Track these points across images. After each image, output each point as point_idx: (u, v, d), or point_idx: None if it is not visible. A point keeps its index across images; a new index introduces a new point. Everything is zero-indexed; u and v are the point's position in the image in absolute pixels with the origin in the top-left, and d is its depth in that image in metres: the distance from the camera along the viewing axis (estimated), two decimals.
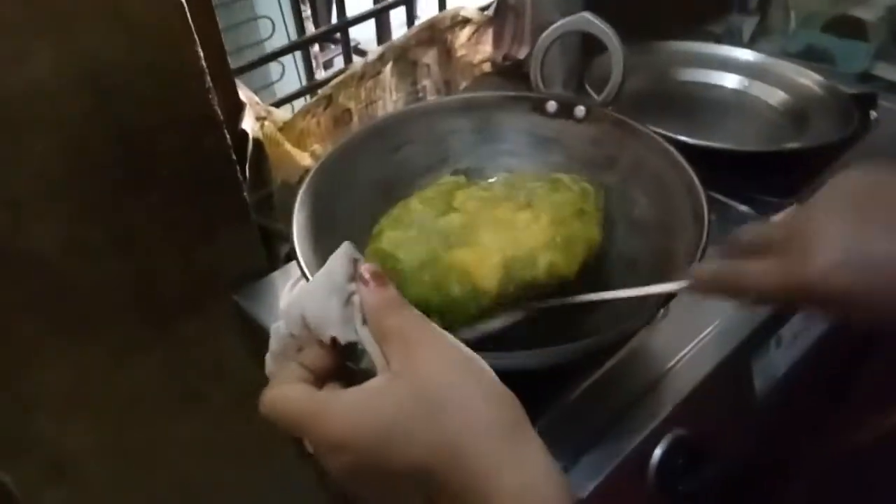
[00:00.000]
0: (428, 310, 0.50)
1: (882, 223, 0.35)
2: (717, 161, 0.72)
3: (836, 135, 0.72)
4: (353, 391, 0.33)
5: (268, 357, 0.39)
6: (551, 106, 0.68)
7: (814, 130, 0.73)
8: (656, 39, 0.94)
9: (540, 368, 0.49)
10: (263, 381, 0.36)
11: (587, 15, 0.66)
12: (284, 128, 0.74)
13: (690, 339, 0.57)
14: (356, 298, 0.35)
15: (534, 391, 0.52)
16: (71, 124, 0.48)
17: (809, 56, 1.02)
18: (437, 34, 0.88)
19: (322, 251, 0.55)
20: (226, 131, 0.57)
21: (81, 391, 0.59)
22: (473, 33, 0.92)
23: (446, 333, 0.34)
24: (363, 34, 1.17)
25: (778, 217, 0.49)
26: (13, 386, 0.56)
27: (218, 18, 1.24)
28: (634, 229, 0.62)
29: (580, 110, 0.67)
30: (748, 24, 1.21)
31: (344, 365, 0.36)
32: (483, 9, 0.92)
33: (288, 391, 0.33)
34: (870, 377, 0.83)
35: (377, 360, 0.34)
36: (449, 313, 0.51)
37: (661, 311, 0.60)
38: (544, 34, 0.70)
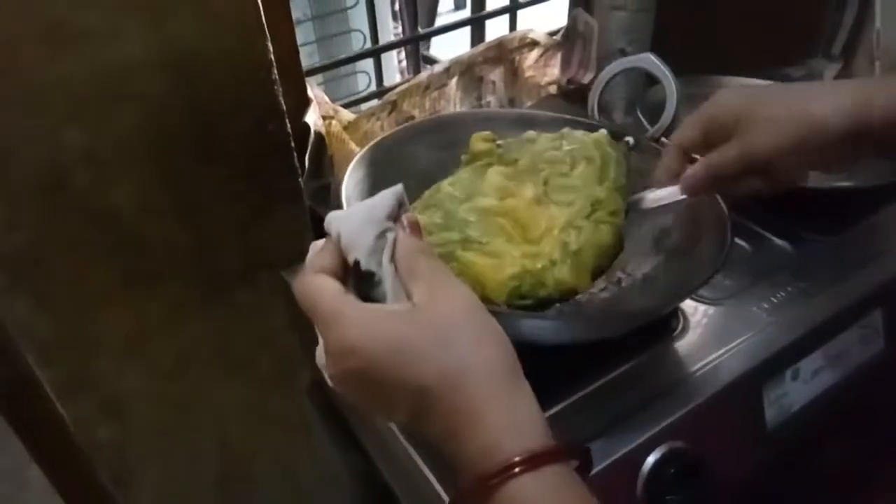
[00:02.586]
0: None
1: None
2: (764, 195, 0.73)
3: (888, 177, 0.71)
4: (376, 306, 0.37)
5: (311, 247, 0.42)
6: (601, 133, 0.71)
7: (866, 171, 0.72)
8: (723, 74, 0.95)
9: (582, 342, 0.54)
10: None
11: (651, 56, 0.69)
12: (349, 127, 0.81)
13: (704, 356, 0.59)
14: (390, 235, 0.39)
15: (549, 379, 0.56)
16: (153, 100, 0.55)
17: None
18: (504, 53, 0.92)
19: None
20: (287, 121, 0.63)
21: (140, 340, 0.66)
22: (541, 56, 0.96)
23: (465, 285, 0.38)
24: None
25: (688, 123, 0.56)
26: (82, 327, 0.63)
27: (313, 30, 1.34)
28: (660, 251, 0.64)
29: (629, 141, 0.69)
30: (830, 70, 1.19)
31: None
32: (552, 33, 0.96)
33: (322, 283, 0.37)
34: None
35: (392, 293, 0.38)
36: None
37: (680, 324, 0.62)
38: (606, 69, 0.74)
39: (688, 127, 0.56)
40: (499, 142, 0.67)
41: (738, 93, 0.53)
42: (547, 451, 0.33)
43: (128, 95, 0.54)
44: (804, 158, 0.50)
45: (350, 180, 0.61)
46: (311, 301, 0.37)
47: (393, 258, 0.38)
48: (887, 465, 0.78)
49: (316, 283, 0.37)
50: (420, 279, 0.37)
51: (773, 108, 0.49)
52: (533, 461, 0.32)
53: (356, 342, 0.35)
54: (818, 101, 0.47)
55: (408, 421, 0.36)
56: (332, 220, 0.40)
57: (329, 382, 0.38)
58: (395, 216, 0.40)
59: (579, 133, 0.65)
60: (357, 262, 0.38)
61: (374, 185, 0.63)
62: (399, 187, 0.41)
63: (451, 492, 0.50)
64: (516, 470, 0.32)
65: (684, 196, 0.55)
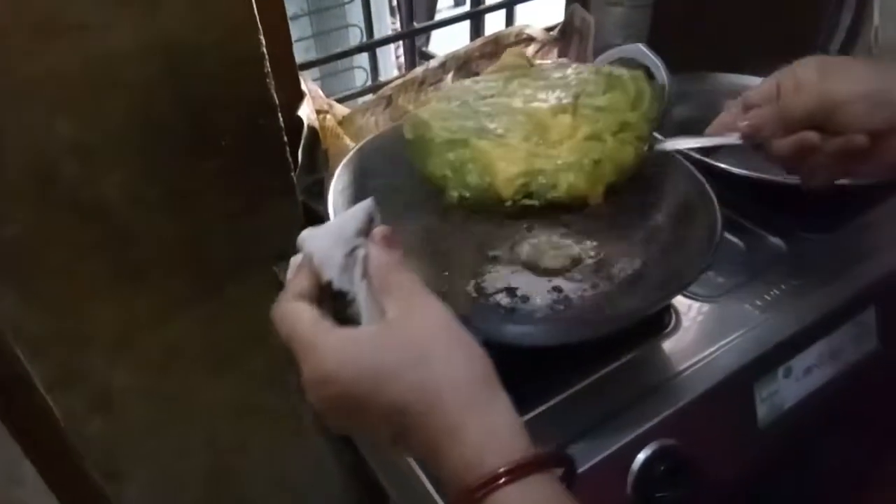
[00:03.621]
0: (444, 183, 0.54)
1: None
2: (758, 192, 0.73)
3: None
4: (349, 330, 0.37)
5: (290, 262, 0.43)
6: None
7: None
8: (725, 71, 0.95)
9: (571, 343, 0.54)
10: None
11: (641, 47, 0.68)
12: (343, 122, 0.80)
13: (696, 353, 0.58)
14: (360, 252, 0.38)
15: (539, 376, 0.56)
16: (143, 90, 0.55)
17: None
18: (500, 49, 0.92)
19: None
20: (280, 115, 0.62)
21: (129, 335, 0.66)
22: (538, 51, 0.96)
23: (437, 299, 0.38)
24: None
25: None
26: (72, 320, 0.63)
27: (310, 25, 1.33)
28: (653, 245, 0.63)
29: None
30: None
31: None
32: (549, 29, 0.95)
33: (297, 311, 0.37)
34: None
35: (365, 311, 0.37)
36: (463, 192, 0.55)
37: (672, 321, 0.61)
38: (598, 59, 0.74)
39: (762, 84, 0.57)
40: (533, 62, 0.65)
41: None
42: (530, 461, 0.32)
43: (118, 87, 0.54)
44: (877, 112, 0.51)
45: (335, 188, 0.60)
46: (287, 331, 0.37)
47: (366, 274, 0.38)
48: (881, 464, 0.77)
49: (290, 310, 0.37)
50: (392, 295, 0.37)
51: (854, 63, 0.53)
52: (516, 471, 0.32)
53: (331, 370, 0.35)
54: None
55: (391, 441, 0.36)
56: (304, 239, 0.40)
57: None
58: (365, 231, 0.39)
59: (617, 69, 0.65)
60: (330, 282, 0.38)
61: (360, 190, 0.62)
62: (369, 202, 0.40)
63: (442, 492, 0.50)
64: (501, 481, 0.31)
65: (737, 140, 0.56)
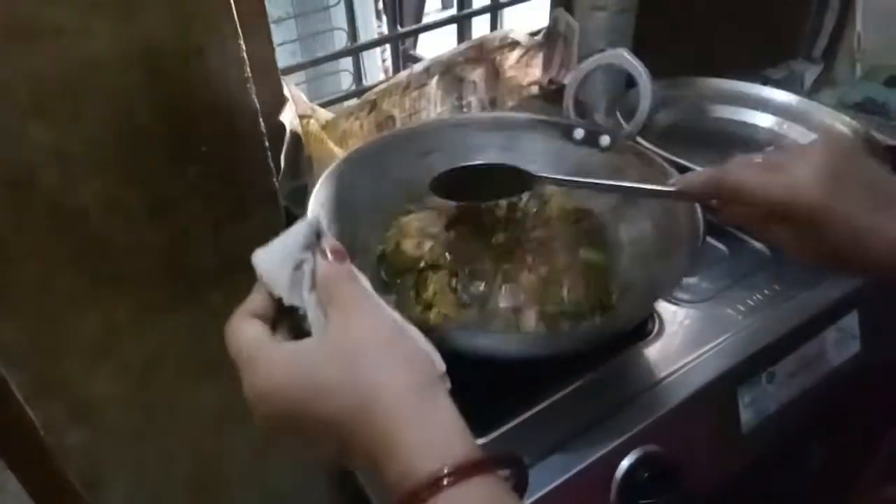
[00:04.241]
0: None
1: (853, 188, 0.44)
2: None
3: None
4: (286, 348, 0.37)
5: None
6: (578, 133, 0.71)
7: None
8: (705, 76, 0.95)
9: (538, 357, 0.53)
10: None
11: (623, 52, 0.69)
12: (327, 126, 0.80)
13: (680, 359, 0.59)
14: (307, 266, 0.39)
15: (523, 384, 0.55)
16: (122, 96, 0.54)
17: (865, 108, 1.01)
18: (485, 53, 0.92)
19: (334, 232, 0.59)
20: (261, 121, 0.62)
21: (109, 343, 0.65)
22: (523, 56, 0.96)
23: (385, 305, 0.38)
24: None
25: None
26: (50, 330, 0.62)
27: (295, 28, 1.32)
28: (637, 256, 0.63)
29: (605, 139, 0.69)
30: (811, 73, 1.20)
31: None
32: (533, 34, 0.95)
33: (243, 328, 0.38)
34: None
35: (315, 325, 0.38)
36: None
37: (655, 327, 0.61)
38: (580, 66, 0.74)
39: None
40: None
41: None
42: (472, 463, 0.32)
43: (96, 92, 0.53)
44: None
45: (315, 201, 0.59)
46: (233, 348, 0.38)
47: (314, 288, 0.38)
48: (864, 467, 0.78)
49: (237, 327, 0.38)
50: (335, 306, 0.37)
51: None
52: (456, 475, 0.31)
53: (266, 386, 0.35)
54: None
55: (337, 456, 0.36)
56: (255, 259, 0.40)
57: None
58: (311, 246, 0.40)
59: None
60: (280, 299, 0.38)
61: (341, 204, 0.61)
62: (313, 217, 0.41)
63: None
64: (444, 482, 0.31)
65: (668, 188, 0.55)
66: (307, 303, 0.38)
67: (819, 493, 0.77)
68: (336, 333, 0.36)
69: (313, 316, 0.38)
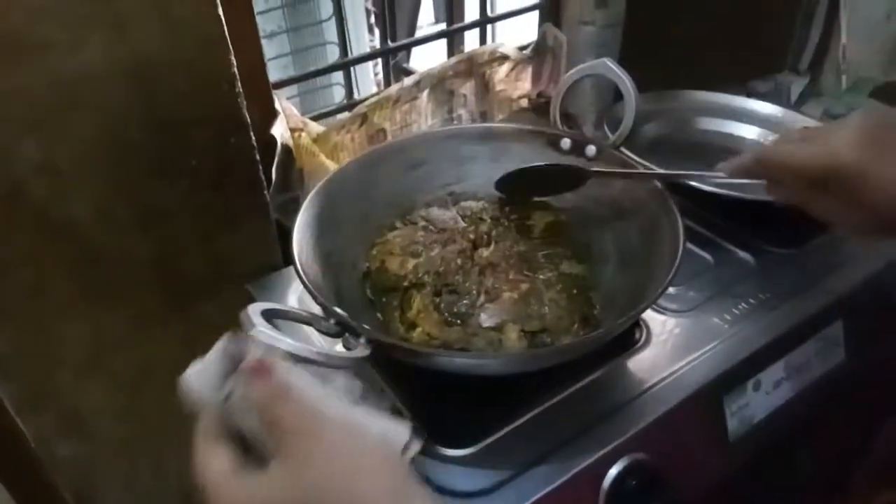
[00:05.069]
0: None
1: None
2: (728, 208, 0.74)
3: None
4: (248, 489, 0.35)
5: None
6: (565, 143, 0.72)
7: None
8: (692, 89, 0.96)
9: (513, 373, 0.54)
10: None
11: (606, 61, 0.69)
12: (318, 139, 0.80)
13: (666, 368, 0.59)
14: (236, 392, 0.37)
15: (510, 393, 0.56)
16: (113, 111, 0.55)
17: None
18: (475, 67, 0.93)
19: (322, 250, 0.60)
20: (252, 134, 0.63)
21: (101, 354, 0.66)
22: (513, 69, 0.97)
23: (329, 397, 0.37)
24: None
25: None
26: (41, 340, 0.62)
27: (288, 42, 1.33)
28: (621, 267, 0.64)
29: (591, 149, 0.70)
30: (797, 85, 1.22)
31: None
32: (522, 48, 0.96)
33: (210, 458, 0.36)
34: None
35: (267, 448, 0.36)
36: None
37: (643, 336, 0.62)
38: (566, 76, 0.75)
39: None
40: None
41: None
42: None
43: (86, 106, 0.54)
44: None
45: (301, 222, 0.59)
46: (198, 480, 0.36)
47: (251, 412, 0.37)
48: (850, 475, 0.78)
49: (203, 458, 0.36)
50: (276, 433, 0.35)
51: None
52: None
53: None
54: None
55: None
56: (187, 382, 0.39)
57: None
58: (232, 371, 0.38)
59: None
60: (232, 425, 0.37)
61: (327, 222, 0.61)
62: (225, 339, 0.40)
63: None
64: None
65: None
66: (252, 430, 0.37)
67: (808, 499, 0.78)
68: (294, 467, 0.34)
69: (262, 440, 0.36)
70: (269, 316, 0.43)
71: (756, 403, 0.61)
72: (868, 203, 0.46)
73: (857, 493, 0.81)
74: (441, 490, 0.50)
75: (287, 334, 0.41)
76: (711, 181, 0.67)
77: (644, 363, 0.60)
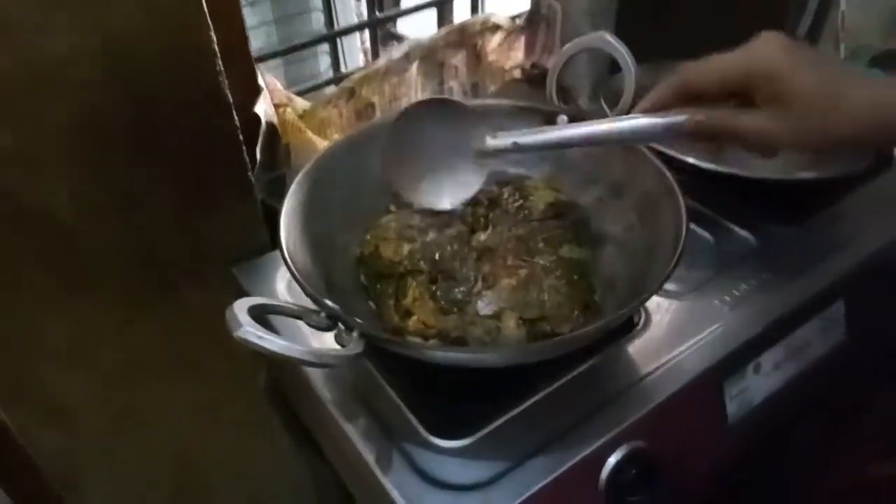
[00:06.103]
0: None
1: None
2: (727, 186, 0.72)
3: (850, 168, 0.71)
4: None
5: None
6: (562, 119, 0.69)
7: (829, 163, 0.71)
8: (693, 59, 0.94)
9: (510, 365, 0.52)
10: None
11: (605, 35, 0.67)
12: (305, 115, 0.78)
13: (666, 353, 0.57)
14: None
15: (507, 382, 0.54)
16: (87, 93, 0.52)
17: None
18: (466, 38, 0.90)
19: (311, 235, 0.58)
20: (235, 113, 0.60)
21: (83, 344, 0.63)
22: (505, 40, 0.94)
23: None
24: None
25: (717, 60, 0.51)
26: (20, 332, 0.60)
27: (270, 9, 1.29)
28: (622, 250, 0.62)
29: None
30: None
31: None
32: (515, 17, 0.93)
33: None
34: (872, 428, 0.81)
35: None
36: None
37: (641, 321, 0.60)
38: (562, 50, 0.72)
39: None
40: None
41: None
42: None
43: (60, 90, 0.51)
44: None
45: (288, 207, 0.56)
46: None
47: None
48: (850, 456, 0.78)
49: None
50: None
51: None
52: None
53: None
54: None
55: None
56: None
57: None
58: None
59: None
60: None
61: (315, 207, 0.59)
62: None
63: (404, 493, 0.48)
64: None
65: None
66: None
67: (806, 477, 0.78)
68: None
69: None
70: (256, 312, 0.41)
71: (756, 386, 0.60)
72: (795, 111, 0.45)
73: (850, 468, 0.81)
74: (438, 483, 0.49)
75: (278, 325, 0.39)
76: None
77: (643, 348, 0.58)
